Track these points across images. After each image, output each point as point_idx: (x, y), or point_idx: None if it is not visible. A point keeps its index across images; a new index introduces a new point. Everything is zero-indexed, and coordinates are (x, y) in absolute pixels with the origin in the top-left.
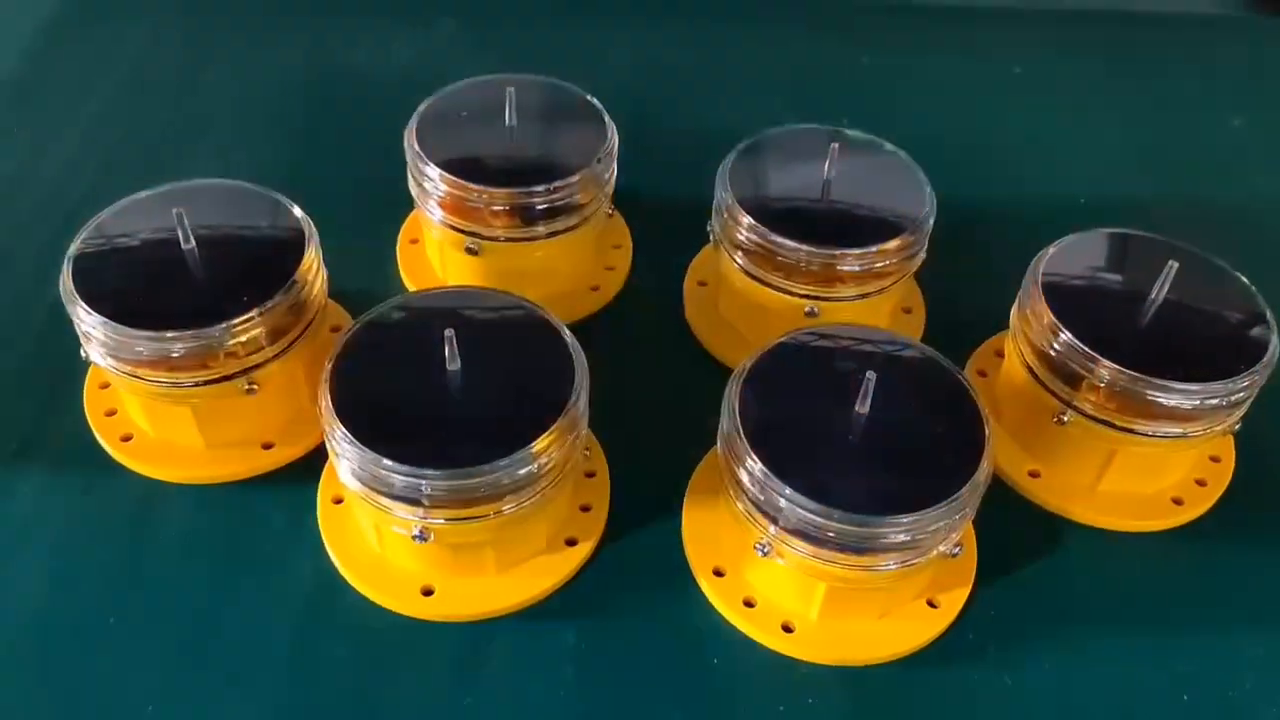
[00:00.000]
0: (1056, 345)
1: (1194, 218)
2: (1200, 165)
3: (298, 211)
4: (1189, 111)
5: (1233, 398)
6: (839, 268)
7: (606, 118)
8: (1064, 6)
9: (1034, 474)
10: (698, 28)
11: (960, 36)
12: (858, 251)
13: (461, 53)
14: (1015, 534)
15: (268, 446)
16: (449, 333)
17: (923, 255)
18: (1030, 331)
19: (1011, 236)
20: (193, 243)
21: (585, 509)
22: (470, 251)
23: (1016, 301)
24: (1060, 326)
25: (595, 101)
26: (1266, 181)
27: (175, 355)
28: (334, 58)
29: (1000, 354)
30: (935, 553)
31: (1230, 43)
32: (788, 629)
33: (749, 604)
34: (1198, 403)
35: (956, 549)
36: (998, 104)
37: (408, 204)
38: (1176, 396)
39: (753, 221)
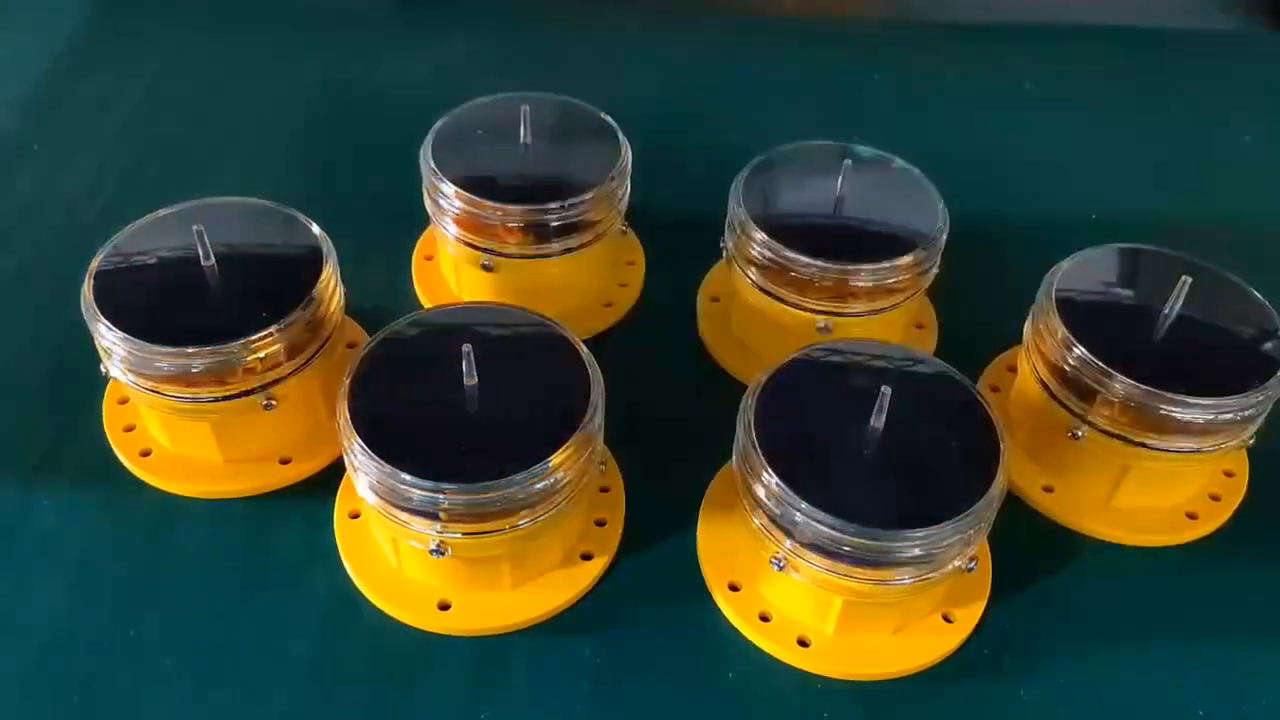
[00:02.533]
0: (1070, 360)
1: (1206, 233)
2: (1212, 181)
3: (316, 229)
4: (1200, 127)
5: (1246, 412)
6: (852, 283)
7: (620, 135)
8: (1075, 22)
9: (1048, 489)
10: (710, 46)
11: (972, 52)
12: (870, 267)
13: (478, 71)
14: (1030, 549)
15: (285, 461)
16: (467, 348)
17: (935, 271)
18: (1044, 346)
19: (1024, 252)
20: (212, 259)
21: (600, 524)
22: (485, 268)
23: (1030, 316)
24: (1074, 341)
25: (609, 119)
26: (1278, 197)
27: (194, 371)
28: (351, 76)
29: (1013, 369)
30: (950, 567)
31: (1241, 58)
32: (803, 643)
33: (764, 618)
34: (1212, 417)
35: (971, 564)
36: (1009, 120)
37: (423, 221)
38: (1190, 411)
39: (766, 237)
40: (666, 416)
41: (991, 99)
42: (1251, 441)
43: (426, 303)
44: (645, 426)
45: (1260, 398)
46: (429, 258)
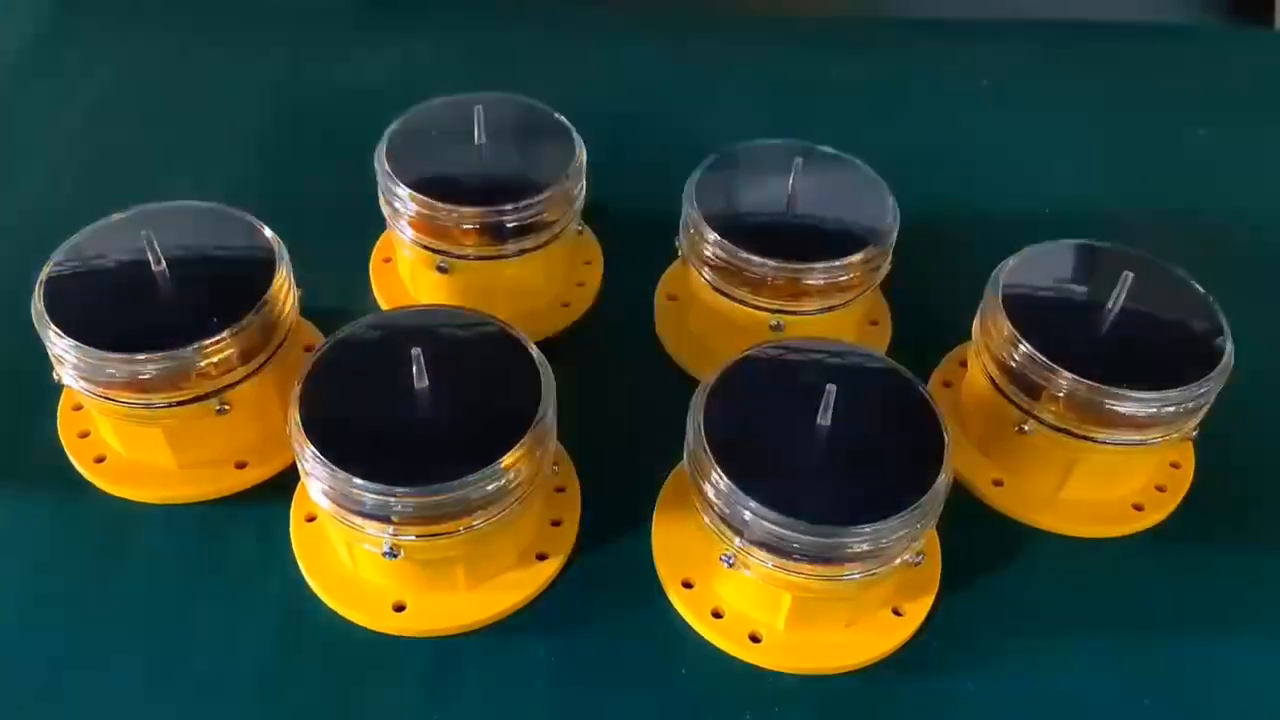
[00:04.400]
0: (1016, 356)
1: (1159, 228)
2: (1166, 175)
3: (268, 232)
4: (1155, 122)
5: (1189, 404)
6: (804, 282)
7: (575, 135)
8: (1031, 19)
9: (997, 483)
10: (667, 44)
11: (928, 50)
12: (822, 265)
13: (434, 71)
14: (979, 542)
15: (241, 466)
16: (416, 351)
17: (887, 268)
18: (991, 343)
19: (978, 248)
20: (164, 264)
21: (556, 523)
22: (441, 270)
23: (978, 313)
24: (1019, 338)
25: (563, 119)
26: (1231, 191)
27: (147, 377)
28: (305, 78)
29: (965, 364)
30: (898, 561)
31: (1195, 53)
32: (755, 639)
33: (717, 615)
34: (1155, 410)
35: (919, 558)
36: (965, 116)
37: (381, 223)
38: (1134, 405)
39: (718, 237)
40: (624, 416)
41: (947, 95)
42: (1195, 433)
43: (385, 305)
44: (603, 426)
45: (1203, 390)
46: (387, 260)
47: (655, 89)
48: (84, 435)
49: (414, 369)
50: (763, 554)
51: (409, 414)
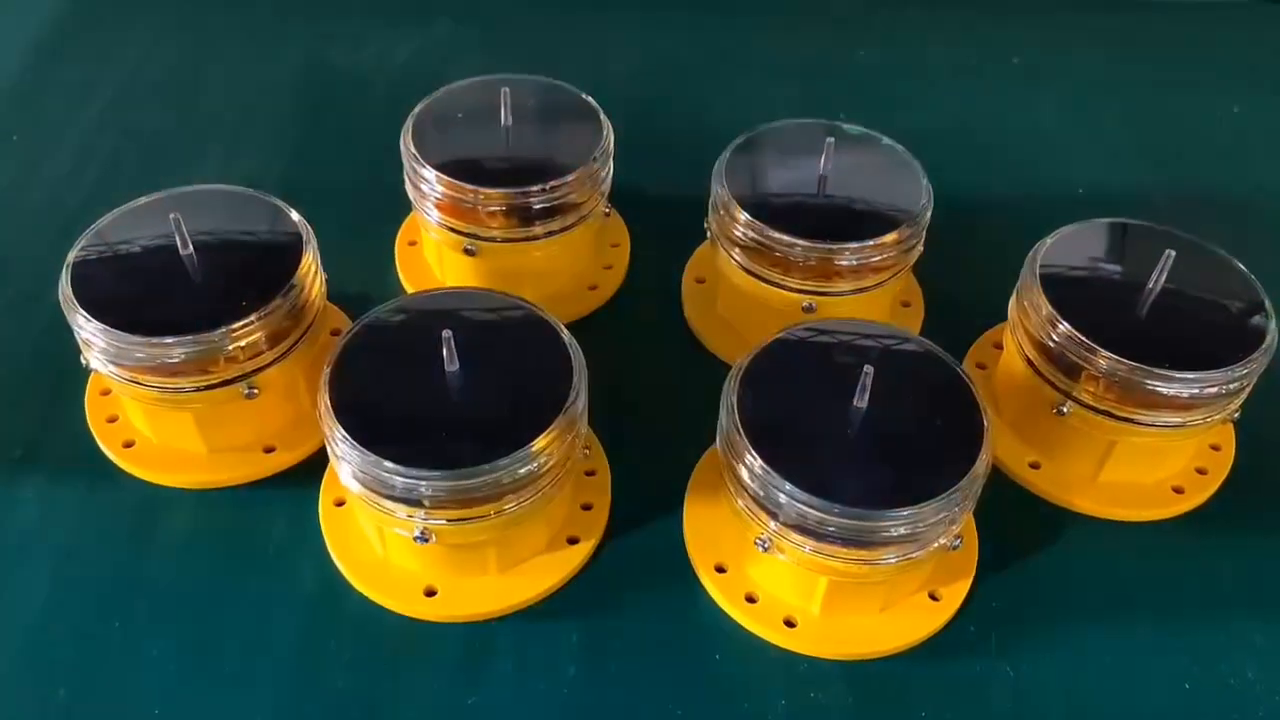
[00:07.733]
0: (1055, 336)
1: (1194, 206)
2: (1200, 153)
3: (295, 215)
4: (1188, 99)
5: (1231, 386)
6: (836, 262)
7: (602, 116)
8: None
9: (1034, 465)
10: (693, 25)
11: (958, 28)
12: (854, 246)
13: (458, 54)
14: (1016, 526)
15: (269, 450)
16: (447, 334)
17: (920, 249)
18: (1028, 323)
19: (1010, 228)
20: (191, 248)
21: (586, 507)
22: (468, 252)
23: (1015, 293)
24: (1058, 317)
25: (591, 100)
26: (1266, 169)
27: (175, 361)
28: (331, 61)
29: (999, 346)
30: (935, 546)
31: (1229, 30)
32: (790, 624)
33: (751, 599)
34: (1196, 391)
35: (956, 541)
36: (996, 95)
37: (406, 206)
38: (1175, 385)
39: (749, 218)
40: (652, 399)
41: (978, 74)
42: (1237, 415)
43: (410, 288)
44: (631, 410)
45: (1244, 371)
46: (412, 243)
47: (678, 71)
48: (112, 420)
49: (445, 352)
50: (798, 537)
51: (439, 397)
